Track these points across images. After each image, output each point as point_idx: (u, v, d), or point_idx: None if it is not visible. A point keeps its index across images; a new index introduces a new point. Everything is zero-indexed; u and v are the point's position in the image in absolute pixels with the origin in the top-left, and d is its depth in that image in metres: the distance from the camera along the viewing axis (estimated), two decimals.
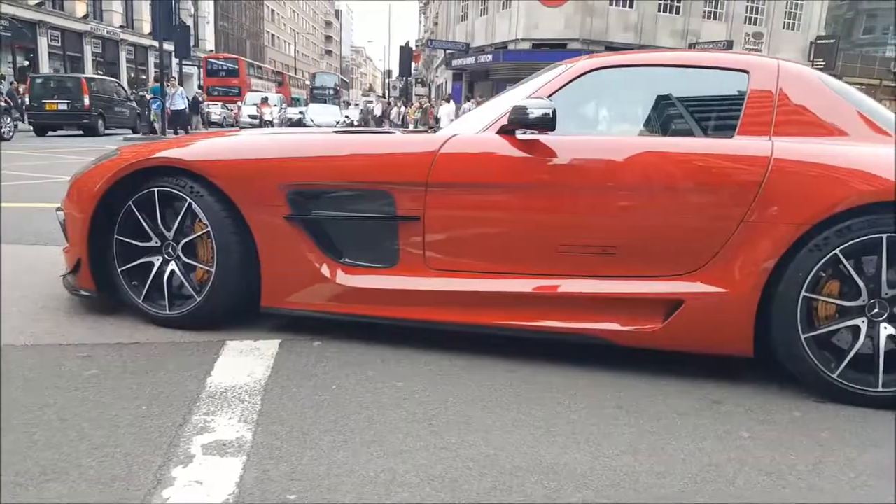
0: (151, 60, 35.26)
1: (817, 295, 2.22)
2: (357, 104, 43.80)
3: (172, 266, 2.71)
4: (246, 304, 2.67)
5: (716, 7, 30.66)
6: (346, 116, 30.76)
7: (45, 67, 28.07)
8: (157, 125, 18.62)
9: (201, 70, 38.55)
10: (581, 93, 2.62)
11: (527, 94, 2.57)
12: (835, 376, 2.20)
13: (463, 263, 2.51)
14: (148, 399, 2.04)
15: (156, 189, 2.65)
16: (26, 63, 26.95)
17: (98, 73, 28.04)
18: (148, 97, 19.86)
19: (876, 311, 2.19)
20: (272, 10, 73.83)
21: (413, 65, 35.95)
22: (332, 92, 49.02)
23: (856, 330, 2.21)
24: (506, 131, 2.48)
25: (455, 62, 33.10)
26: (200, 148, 2.73)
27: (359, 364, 2.40)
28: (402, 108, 28.81)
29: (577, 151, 2.44)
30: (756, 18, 31.62)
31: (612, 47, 25.64)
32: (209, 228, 2.60)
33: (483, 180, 2.47)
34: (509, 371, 2.40)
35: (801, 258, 2.18)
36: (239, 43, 56.78)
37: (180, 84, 20.10)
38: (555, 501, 1.59)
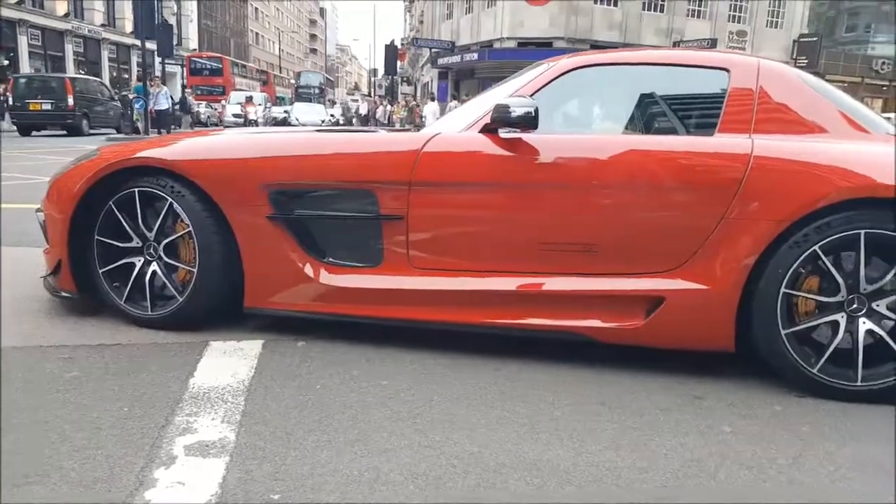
0: (134, 59, 34.89)
1: (797, 291, 2.24)
2: (335, 102, 43.57)
3: (154, 267, 2.69)
4: (229, 304, 2.66)
5: (700, 5, 30.87)
6: (332, 115, 30.67)
7: (25, 67, 27.69)
8: (140, 125, 18.45)
9: (185, 69, 38.23)
10: (563, 91, 2.63)
11: (509, 92, 2.58)
12: (815, 371, 2.22)
13: (447, 262, 2.51)
14: (130, 400, 2.02)
15: (136, 189, 2.63)
16: (6, 62, 26.56)
17: (80, 73, 27.72)
18: (130, 97, 19.67)
19: (855, 306, 2.22)
20: (256, 9, 73.39)
21: (398, 63, 35.91)
22: (317, 91, 48.83)
23: (835, 325, 2.24)
24: (488, 130, 2.48)
25: (440, 61, 33.07)
26: (181, 148, 2.71)
27: (343, 364, 2.39)
28: (388, 107, 28.76)
29: (559, 150, 2.45)
30: (739, 17, 31.87)
31: (597, 45, 25.73)
32: (190, 228, 2.58)
33: (466, 179, 2.48)
34: (494, 369, 2.40)
35: (781, 255, 2.21)
36: (223, 41, 56.39)
37: (164, 83, 19.92)
38: (538, 497, 1.59)
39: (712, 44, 27.95)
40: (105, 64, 34.30)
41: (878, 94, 37.07)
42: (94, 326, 2.68)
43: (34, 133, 18.08)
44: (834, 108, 2.44)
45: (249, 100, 29.82)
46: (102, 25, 34.04)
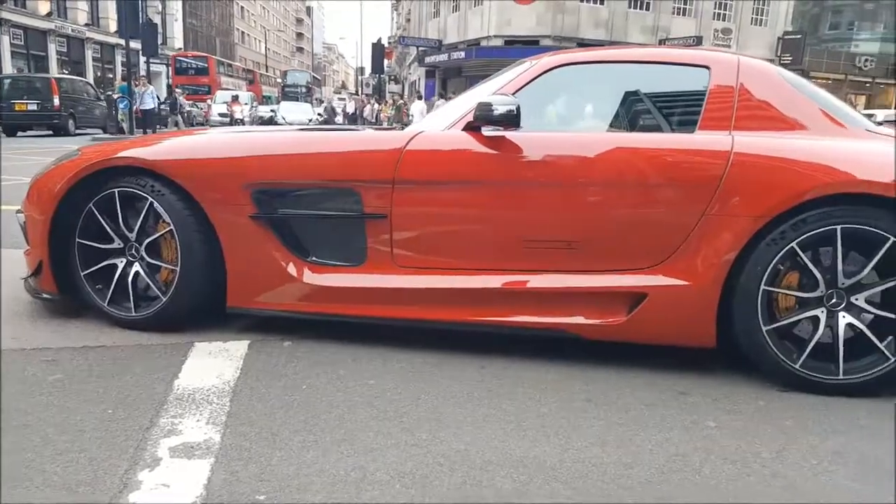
0: (118, 59, 34.57)
1: (777, 288, 2.27)
2: (322, 100, 43.25)
3: (136, 267, 2.67)
4: (212, 303, 2.64)
5: (685, 3, 31.03)
6: (319, 114, 30.51)
7: (7, 67, 27.36)
8: (125, 125, 18.29)
9: (170, 68, 37.93)
10: (546, 89, 2.64)
11: (492, 90, 2.58)
12: (797, 366, 2.25)
13: (430, 260, 2.51)
14: (114, 403, 2.01)
15: (116, 190, 2.61)
16: None
17: (63, 72, 27.43)
18: (115, 96, 19.50)
19: (834, 301, 2.25)
20: (242, 8, 72.94)
21: (386, 62, 35.84)
22: (304, 90, 48.59)
23: (815, 320, 2.26)
24: (472, 128, 2.49)
25: (428, 59, 33.05)
26: (163, 147, 2.70)
27: (330, 363, 2.39)
28: (376, 106, 28.69)
29: (542, 148, 2.46)
30: (724, 14, 32.07)
31: (583, 43, 25.83)
32: (172, 227, 2.57)
33: (449, 177, 2.48)
34: (480, 367, 2.41)
35: (759, 252, 2.23)
36: (208, 41, 56.01)
37: (149, 83, 19.76)
38: (524, 494, 1.60)
39: (698, 41, 28.16)
40: (89, 63, 33.95)
41: (861, 91, 37.46)
42: (77, 328, 2.66)
43: (20, 133, 17.94)
44: (813, 104, 2.46)
45: (235, 99, 29.59)
46: (86, 25, 33.69)
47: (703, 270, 2.29)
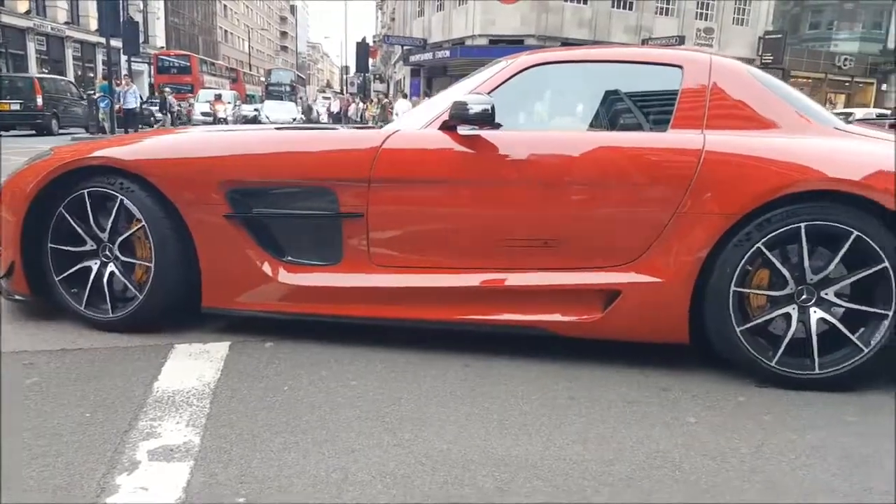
0: (99, 58, 34.17)
1: (747, 288, 2.30)
2: (311, 99, 42.95)
3: (111, 267, 2.64)
4: (190, 302, 2.61)
5: (668, 3, 31.23)
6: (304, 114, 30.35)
7: None
8: (106, 124, 18.09)
9: (152, 67, 37.56)
10: (522, 88, 2.65)
11: (469, 89, 2.59)
12: (773, 364, 2.27)
13: (407, 259, 2.51)
14: (92, 406, 1.98)
15: (85, 191, 2.59)
16: None
17: (43, 72, 27.06)
18: (95, 96, 19.30)
19: (804, 297, 2.28)
20: (225, 6, 72.38)
21: (371, 60, 35.73)
22: (288, 88, 48.35)
23: (788, 317, 2.29)
24: (447, 127, 2.49)
25: (412, 58, 32.98)
26: (137, 147, 2.67)
27: (312, 364, 2.37)
28: (361, 105, 28.58)
29: (516, 146, 2.47)
30: (707, 14, 32.32)
31: (567, 43, 25.92)
32: (144, 223, 2.54)
33: (425, 176, 2.48)
34: (464, 365, 2.41)
35: (728, 253, 2.26)
36: (191, 39, 55.54)
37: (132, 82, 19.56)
38: (506, 493, 1.60)
39: (680, 41, 28.33)
40: (69, 62, 33.51)
41: (840, 90, 37.91)
42: (54, 331, 2.63)
43: (2, 133, 17.78)
44: (784, 103, 2.48)
45: (218, 98, 29.39)
46: (66, 23, 33.25)
47: (676, 268, 2.31)
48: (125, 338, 2.57)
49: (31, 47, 30.63)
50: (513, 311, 2.44)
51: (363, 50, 30.16)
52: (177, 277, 2.57)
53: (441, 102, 2.65)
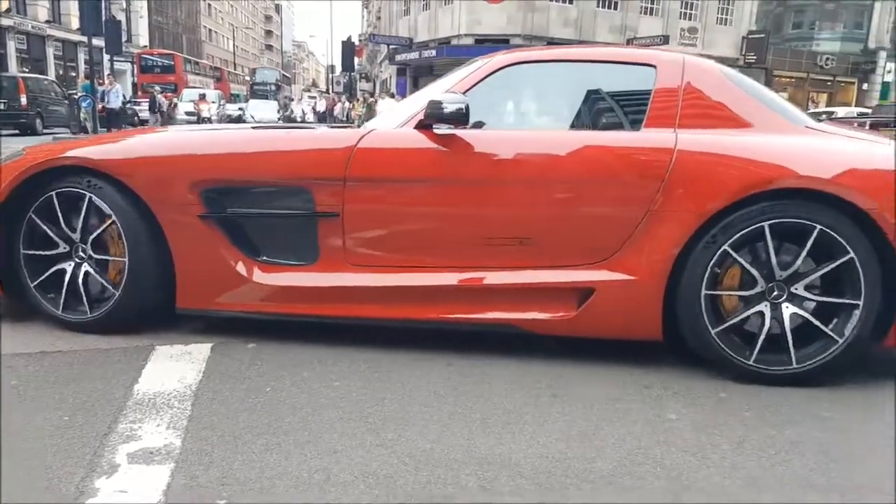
0: (81, 57, 33.79)
1: (718, 290, 2.32)
2: (294, 98, 42.55)
3: (86, 267, 2.62)
4: (167, 299, 2.59)
5: (652, 3, 31.40)
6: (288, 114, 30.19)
7: None
8: (88, 124, 17.90)
9: (135, 66, 37.20)
10: (498, 87, 2.65)
11: (445, 88, 2.60)
12: (751, 362, 2.29)
13: (383, 258, 2.51)
14: (71, 409, 1.96)
15: (54, 193, 2.56)
16: None
17: (23, 70, 26.73)
18: (77, 95, 19.10)
19: (775, 293, 2.30)
20: (209, 5, 71.84)
21: (357, 59, 35.61)
22: (273, 87, 48.05)
23: (761, 315, 2.31)
24: (423, 126, 2.49)
25: (399, 57, 32.91)
26: (110, 146, 2.65)
27: (295, 365, 2.36)
28: (346, 104, 28.47)
29: (492, 146, 2.47)
30: (691, 14, 32.52)
31: (553, 42, 25.97)
32: (114, 218, 2.51)
33: (400, 175, 2.48)
34: (447, 365, 2.41)
35: (698, 254, 2.27)
36: (175, 38, 55.07)
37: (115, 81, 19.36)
38: (489, 491, 1.60)
39: (664, 40, 28.50)
40: (51, 61, 33.11)
41: (822, 89, 38.29)
42: (33, 333, 2.59)
43: None
44: (756, 102, 2.50)
45: (203, 97, 29.15)
46: (47, 21, 32.83)
47: (649, 265, 2.33)
48: (105, 340, 2.54)
49: (12, 46, 30.23)
50: (488, 310, 2.44)
51: (349, 49, 30.04)
52: (153, 275, 2.55)
53: (417, 102, 2.65)
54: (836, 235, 2.20)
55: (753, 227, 2.24)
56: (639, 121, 2.49)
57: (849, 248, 2.20)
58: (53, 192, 2.56)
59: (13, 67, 28.54)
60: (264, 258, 2.57)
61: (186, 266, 2.54)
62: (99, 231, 2.58)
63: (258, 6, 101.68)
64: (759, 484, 1.68)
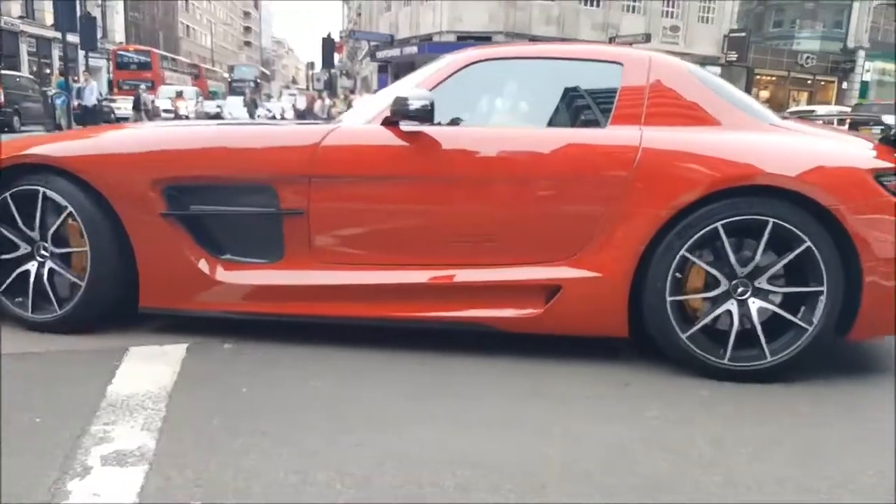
0: (56, 53, 33.20)
1: (683, 296, 2.33)
2: (271, 96, 42.08)
3: (50, 264, 2.57)
4: (134, 295, 2.55)
5: (634, 1, 31.59)
6: (268, 110, 29.94)
7: None
8: (63, 122, 17.62)
9: (111, 63, 36.64)
10: (466, 84, 2.64)
11: (412, 85, 2.58)
12: (726, 361, 2.30)
13: (349, 255, 2.49)
14: (42, 411, 1.92)
15: (8, 194, 2.51)
16: None
17: None
18: (51, 93, 18.79)
19: (740, 290, 2.32)
20: (186, 0, 71.01)
21: (337, 56, 35.41)
22: (252, 85, 47.60)
23: (729, 314, 2.32)
24: (390, 122, 2.47)
25: (380, 54, 32.77)
26: (72, 143, 2.62)
27: (271, 365, 2.34)
28: (327, 101, 28.29)
29: (457, 143, 2.47)
30: (673, 12, 32.74)
31: (535, 39, 26.02)
32: (70, 209, 2.47)
33: (366, 172, 2.47)
34: (425, 364, 2.40)
35: (660, 255, 2.28)
36: (151, 34, 54.34)
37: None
38: (467, 491, 1.59)
39: (647, 38, 28.68)
40: (24, 58, 32.50)
41: (803, 88, 38.77)
42: (5, 335, 2.53)
43: None
44: (722, 100, 2.51)
45: (180, 95, 28.77)
46: (20, 17, 32.24)
47: (614, 262, 2.33)
48: (78, 341, 2.50)
49: None
50: (455, 307, 2.43)
51: (328, 45, 29.81)
52: (118, 270, 2.50)
53: (385, 98, 2.63)
54: (790, 227, 2.22)
55: (707, 228, 2.25)
56: (605, 118, 2.50)
57: (804, 237, 2.21)
58: (8, 194, 2.52)
59: None
60: (228, 256, 2.53)
61: (149, 265, 2.50)
62: (58, 223, 2.53)
63: (237, 3, 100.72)
64: (738, 481, 1.69)
